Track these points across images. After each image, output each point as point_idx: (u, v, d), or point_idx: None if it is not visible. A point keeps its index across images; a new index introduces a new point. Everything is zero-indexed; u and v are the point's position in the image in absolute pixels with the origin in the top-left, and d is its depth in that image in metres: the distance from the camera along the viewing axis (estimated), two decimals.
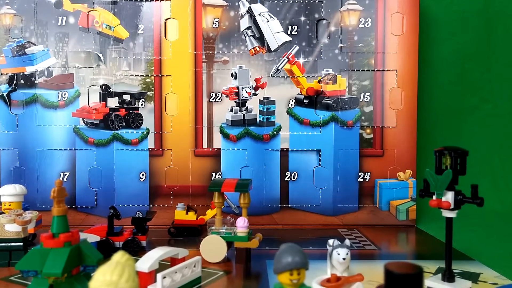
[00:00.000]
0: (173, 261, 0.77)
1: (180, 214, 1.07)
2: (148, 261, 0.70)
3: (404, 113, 1.17)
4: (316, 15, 1.17)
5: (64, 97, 1.15)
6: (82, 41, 1.15)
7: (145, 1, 1.16)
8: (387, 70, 1.17)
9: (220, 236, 0.87)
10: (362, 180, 1.18)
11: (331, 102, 1.16)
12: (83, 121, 1.16)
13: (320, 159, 1.17)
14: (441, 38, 1.31)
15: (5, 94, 1.14)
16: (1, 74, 1.15)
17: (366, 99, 1.18)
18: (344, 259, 0.73)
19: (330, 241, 0.76)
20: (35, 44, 1.15)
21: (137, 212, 1.14)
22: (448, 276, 0.75)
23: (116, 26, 1.15)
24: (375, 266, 0.84)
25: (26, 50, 1.15)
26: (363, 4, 1.16)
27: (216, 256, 0.87)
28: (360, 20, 1.17)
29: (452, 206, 0.74)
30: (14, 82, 1.15)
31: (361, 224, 1.16)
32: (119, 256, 0.47)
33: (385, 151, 1.18)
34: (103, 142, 1.15)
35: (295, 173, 1.18)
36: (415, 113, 1.18)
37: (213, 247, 0.87)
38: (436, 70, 1.31)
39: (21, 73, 1.15)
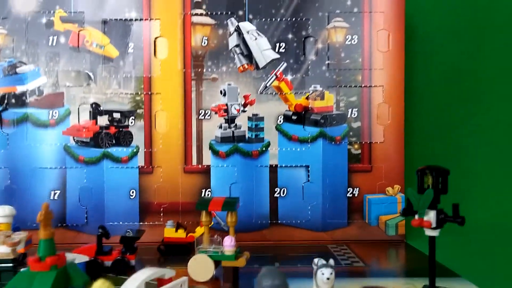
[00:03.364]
0: (160, 281, 0.78)
1: (170, 231, 1.07)
2: (133, 283, 0.71)
3: (392, 129, 1.19)
4: (304, 33, 1.18)
5: (55, 116, 1.16)
6: (72, 60, 1.16)
7: (135, 21, 1.17)
8: (374, 86, 1.18)
9: (208, 255, 0.88)
10: (351, 195, 1.19)
11: (319, 118, 1.17)
12: (74, 139, 1.16)
13: (309, 175, 1.18)
14: (427, 53, 1.32)
15: None
16: None
17: (354, 115, 1.19)
18: (328, 279, 0.73)
19: (315, 260, 0.76)
20: (26, 64, 1.16)
21: (127, 230, 1.15)
22: None
23: (106, 45, 1.17)
24: (363, 284, 0.85)
25: (17, 70, 1.16)
26: (350, 21, 1.18)
27: (203, 275, 0.87)
28: (347, 37, 1.18)
29: (434, 225, 0.75)
30: (5, 101, 1.16)
31: (351, 239, 1.17)
32: (99, 284, 0.48)
33: (373, 166, 1.19)
34: (93, 160, 1.16)
35: (284, 189, 1.18)
36: (403, 128, 1.19)
37: (201, 266, 0.87)
38: (423, 85, 1.32)
39: (12, 93, 1.16)
